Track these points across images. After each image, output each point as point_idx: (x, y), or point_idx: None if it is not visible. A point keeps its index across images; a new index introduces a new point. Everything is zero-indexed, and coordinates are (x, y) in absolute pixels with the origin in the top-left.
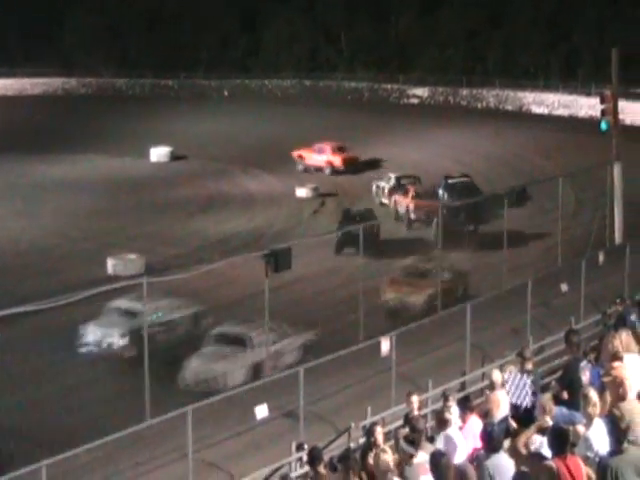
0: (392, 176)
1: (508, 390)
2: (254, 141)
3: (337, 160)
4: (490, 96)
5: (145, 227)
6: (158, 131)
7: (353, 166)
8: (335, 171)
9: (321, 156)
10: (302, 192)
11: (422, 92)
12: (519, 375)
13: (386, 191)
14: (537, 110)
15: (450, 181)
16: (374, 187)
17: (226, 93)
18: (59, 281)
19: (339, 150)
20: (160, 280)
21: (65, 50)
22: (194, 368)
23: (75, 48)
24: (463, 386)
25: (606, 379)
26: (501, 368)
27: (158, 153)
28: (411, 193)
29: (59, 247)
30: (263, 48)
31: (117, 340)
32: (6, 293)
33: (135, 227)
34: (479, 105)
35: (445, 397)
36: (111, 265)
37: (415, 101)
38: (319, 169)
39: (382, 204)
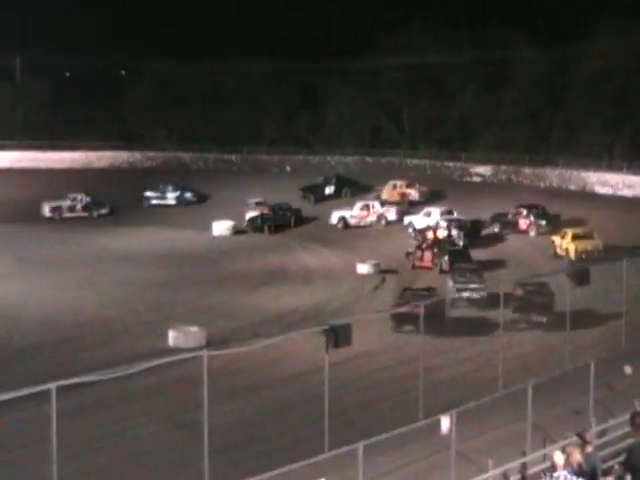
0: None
1: None
2: (315, 217)
3: None
4: (553, 175)
5: (206, 300)
6: (221, 205)
7: None
8: None
9: None
10: (363, 268)
11: (484, 170)
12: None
13: None
14: (601, 190)
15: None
16: None
17: (288, 168)
18: (118, 353)
19: None
20: (220, 353)
21: (127, 123)
22: None
23: (136, 122)
24: (524, 467)
25: None
26: (563, 450)
27: (220, 227)
28: None
29: (120, 318)
30: (325, 125)
31: None
32: (62, 364)
33: (196, 300)
34: (542, 184)
35: (505, 478)
36: (172, 337)
37: (478, 179)
38: None
39: None
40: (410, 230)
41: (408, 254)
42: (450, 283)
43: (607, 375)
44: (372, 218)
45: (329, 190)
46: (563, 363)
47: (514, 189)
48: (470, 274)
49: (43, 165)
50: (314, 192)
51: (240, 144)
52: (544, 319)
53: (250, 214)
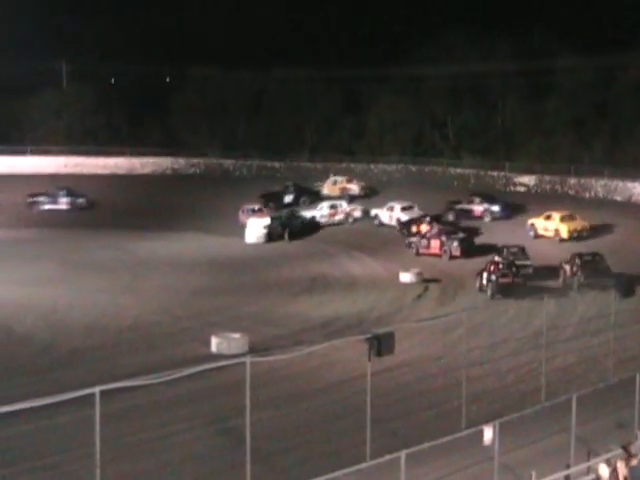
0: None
1: None
2: (358, 224)
3: None
4: (598, 186)
5: (248, 307)
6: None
7: None
8: None
9: None
10: (406, 277)
11: (529, 180)
12: None
13: None
14: None
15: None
16: None
17: (332, 176)
18: (161, 358)
19: None
20: (263, 360)
21: (171, 130)
22: None
23: (180, 128)
24: (568, 479)
25: None
26: (607, 462)
27: (253, 234)
28: None
29: (163, 324)
30: (368, 132)
31: None
32: (107, 369)
33: (238, 306)
34: (587, 194)
35: None
36: (215, 343)
37: (522, 189)
38: None
39: None
40: (378, 222)
41: (410, 243)
42: (498, 259)
43: None
44: (340, 217)
45: (289, 198)
46: (607, 375)
47: (559, 199)
48: (517, 252)
49: (87, 171)
50: (275, 200)
51: (282, 151)
52: (612, 281)
53: (253, 220)
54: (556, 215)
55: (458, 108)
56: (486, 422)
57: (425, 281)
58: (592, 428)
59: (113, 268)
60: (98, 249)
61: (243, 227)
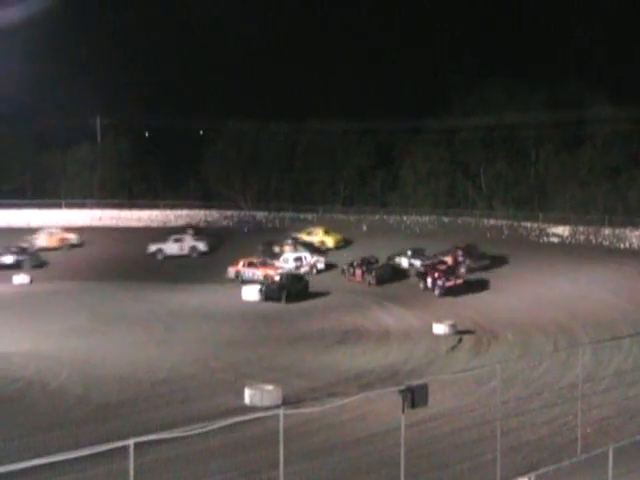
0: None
1: None
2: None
3: None
4: (633, 236)
5: (281, 358)
6: None
7: None
8: None
9: None
10: (439, 329)
11: (563, 231)
12: None
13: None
14: None
15: None
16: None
17: (365, 227)
18: (195, 410)
19: None
20: (296, 412)
21: (205, 182)
22: None
23: (214, 180)
24: None
25: None
26: None
27: (249, 292)
28: None
29: (197, 376)
30: (400, 184)
31: None
32: (140, 422)
33: (271, 358)
34: (621, 245)
35: None
36: (248, 395)
37: (555, 240)
38: None
39: None
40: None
41: (343, 270)
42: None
43: None
44: (305, 268)
45: (8, 260)
46: None
47: (593, 250)
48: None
49: (121, 223)
50: None
51: (315, 203)
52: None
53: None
54: (319, 230)
55: (491, 159)
56: (521, 475)
57: (459, 332)
58: None
59: (145, 320)
60: (130, 301)
61: (243, 282)
